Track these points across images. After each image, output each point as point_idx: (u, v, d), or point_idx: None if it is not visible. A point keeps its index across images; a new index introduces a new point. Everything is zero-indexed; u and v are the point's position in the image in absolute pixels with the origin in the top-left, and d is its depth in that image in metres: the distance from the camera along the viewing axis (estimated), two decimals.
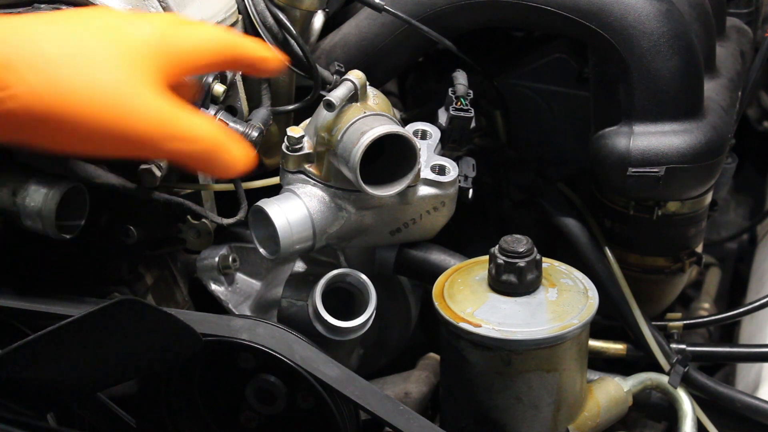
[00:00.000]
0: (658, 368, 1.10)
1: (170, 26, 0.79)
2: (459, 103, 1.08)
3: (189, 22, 0.83)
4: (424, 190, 1.02)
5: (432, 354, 1.17)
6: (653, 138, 1.04)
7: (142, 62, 0.75)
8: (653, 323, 1.13)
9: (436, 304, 0.95)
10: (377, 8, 1.11)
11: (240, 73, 1.09)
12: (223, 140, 0.79)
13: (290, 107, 1.14)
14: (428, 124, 1.09)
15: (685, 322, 1.17)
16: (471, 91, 1.10)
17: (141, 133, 0.74)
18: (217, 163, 0.78)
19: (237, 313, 1.18)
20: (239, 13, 1.12)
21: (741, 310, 1.21)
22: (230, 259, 1.20)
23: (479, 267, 0.99)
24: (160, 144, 0.75)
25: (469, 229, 1.25)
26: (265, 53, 0.85)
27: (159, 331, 0.88)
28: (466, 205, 1.08)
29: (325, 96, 0.95)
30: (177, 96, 0.77)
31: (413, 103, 1.37)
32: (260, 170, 1.16)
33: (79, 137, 0.72)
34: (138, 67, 0.75)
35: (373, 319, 1.00)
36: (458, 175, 1.04)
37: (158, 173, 1.05)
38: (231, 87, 1.07)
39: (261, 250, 1.00)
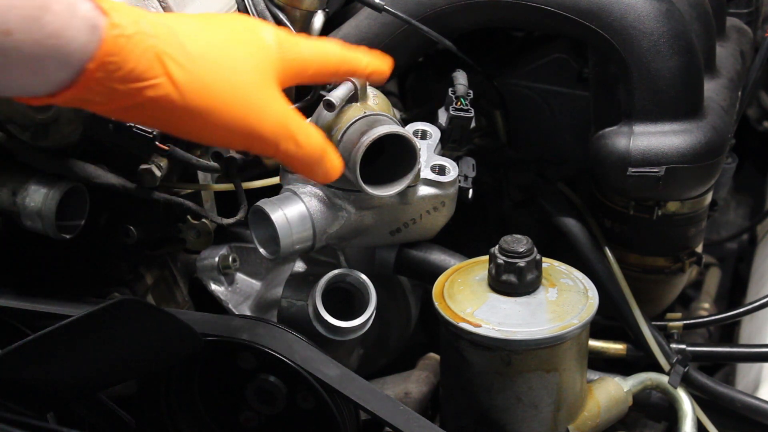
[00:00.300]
0: (658, 368, 1.09)
1: (287, 36, 0.85)
2: (459, 103, 1.08)
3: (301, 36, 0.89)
4: (424, 190, 1.02)
5: (432, 354, 1.17)
6: (653, 138, 1.04)
7: (269, 66, 0.82)
8: (653, 323, 1.13)
9: (436, 304, 0.95)
10: (377, 8, 1.11)
11: None
12: (328, 148, 0.86)
13: (291, 107, 1.14)
14: (428, 124, 1.09)
15: (685, 322, 1.17)
16: (471, 91, 1.10)
17: (265, 131, 0.80)
18: (319, 169, 0.86)
19: (237, 313, 1.18)
20: (239, 12, 1.12)
21: (741, 310, 1.21)
22: (230, 259, 1.20)
23: (479, 267, 0.99)
24: (279, 143, 0.81)
25: (469, 229, 1.25)
26: (376, 65, 0.91)
27: (159, 331, 0.88)
28: (466, 205, 1.08)
29: (325, 96, 0.95)
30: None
31: (413, 103, 1.37)
32: (260, 170, 1.16)
33: (209, 128, 0.78)
34: (266, 71, 0.81)
35: (373, 319, 1.00)
36: (458, 175, 1.04)
37: (158, 173, 1.05)
38: None
39: (261, 250, 1.00)
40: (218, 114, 0.77)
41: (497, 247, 0.94)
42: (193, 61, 0.75)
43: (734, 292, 1.72)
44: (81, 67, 0.69)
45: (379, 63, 0.91)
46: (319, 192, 1.00)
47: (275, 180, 1.09)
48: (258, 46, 0.81)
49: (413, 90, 1.38)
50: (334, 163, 0.87)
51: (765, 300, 1.17)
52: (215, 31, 0.80)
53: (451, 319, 0.92)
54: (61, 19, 0.67)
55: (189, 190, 1.12)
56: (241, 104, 0.78)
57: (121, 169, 1.07)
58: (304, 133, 0.83)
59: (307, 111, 1.06)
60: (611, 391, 1.02)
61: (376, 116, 0.96)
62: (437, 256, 1.07)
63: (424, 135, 1.08)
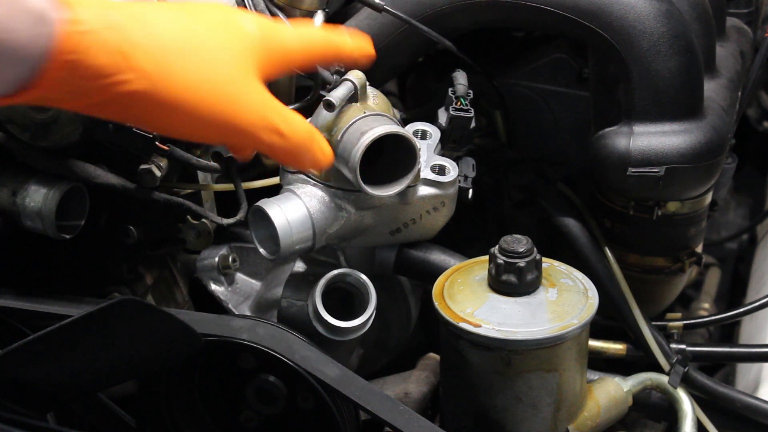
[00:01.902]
0: (658, 368, 1.09)
1: (269, 24, 0.82)
2: (459, 103, 1.08)
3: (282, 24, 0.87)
4: (424, 190, 1.02)
5: (432, 354, 1.17)
6: (653, 138, 1.04)
7: (249, 57, 0.79)
8: (653, 323, 1.13)
9: (436, 304, 0.95)
10: (377, 8, 1.11)
11: None
12: (314, 136, 0.84)
13: (290, 107, 1.14)
14: (428, 124, 1.09)
15: (685, 322, 1.17)
16: (471, 91, 1.10)
17: (245, 124, 0.78)
18: (306, 158, 0.83)
19: (237, 313, 1.18)
20: None
21: (741, 310, 1.21)
22: (230, 259, 1.20)
23: (479, 267, 0.99)
24: (260, 136, 0.79)
25: (469, 229, 1.25)
26: (361, 47, 0.88)
27: (159, 331, 0.88)
28: (466, 205, 1.08)
29: (325, 96, 0.95)
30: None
31: (413, 103, 1.37)
32: (260, 170, 1.16)
33: (186, 122, 0.76)
34: (245, 61, 0.78)
35: (373, 319, 1.00)
36: (458, 175, 1.04)
37: (158, 173, 1.05)
38: None
39: (261, 250, 1.00)
40: (193, 107, 0.74)
41: (497, 247, 0.94)
42: (166, 52, 0.72)
43: (734, 292, 1.72)
44: (37, 66, 0.65)
45: (365, 44, 0.89)
46: (319, 192, 1.00)
47: (275, 180, 1.09)
48: (237, 35, 0.79)
49: (413, 90, 1.38)
50: (323, 150, 0.85)
51: (765, 300, 1.17)
52: (191, 20, 0.77)
53: (451, 319, 0.92)
54: (1, 13, 0.63)
55: (189, 190, 1.12)
56: (216, 96, 0.75)
57: (121, 169, 1.07)
58: (287, 123, 0.81)
59: (307, 111, 1.06)
60: (611, 391, 1.02)
61: (376, 116, 0.96)
62: (437, 256, 1.07)
63: (424, 135, 1.08)
